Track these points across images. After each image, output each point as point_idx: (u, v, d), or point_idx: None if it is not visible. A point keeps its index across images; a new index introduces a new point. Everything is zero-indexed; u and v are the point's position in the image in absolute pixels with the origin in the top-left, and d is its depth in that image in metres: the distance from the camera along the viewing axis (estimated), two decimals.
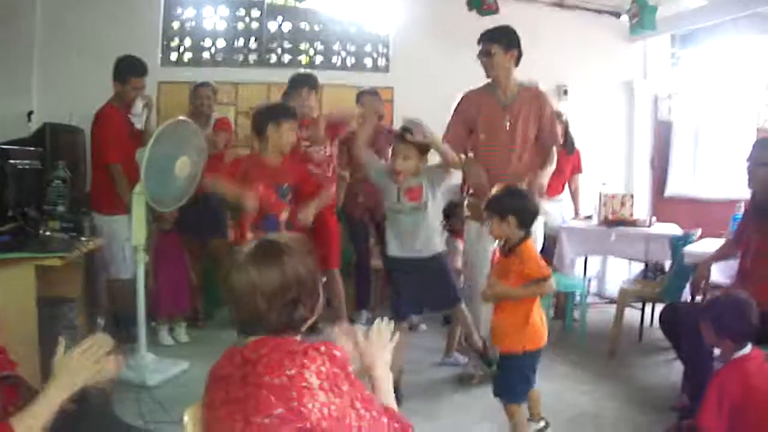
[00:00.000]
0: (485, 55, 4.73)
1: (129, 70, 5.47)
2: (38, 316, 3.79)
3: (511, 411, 3.75)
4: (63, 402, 2.05)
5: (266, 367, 1.84)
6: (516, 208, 3.69)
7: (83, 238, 4.37)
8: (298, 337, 1.99)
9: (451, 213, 5.64)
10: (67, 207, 4.47)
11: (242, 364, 1.90)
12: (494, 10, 6.27)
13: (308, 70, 5.99)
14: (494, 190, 3.87)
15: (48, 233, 4.15)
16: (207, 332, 6.02)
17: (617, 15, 7.28)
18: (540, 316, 3.73)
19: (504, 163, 4.75)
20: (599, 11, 7.42)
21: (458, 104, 4.94)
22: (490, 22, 6.32)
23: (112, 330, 5.37)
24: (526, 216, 3.71)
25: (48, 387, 2.06)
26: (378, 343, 2.19)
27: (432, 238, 4.57)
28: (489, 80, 4.84)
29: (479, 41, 4.76)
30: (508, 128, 4.75)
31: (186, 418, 2.04)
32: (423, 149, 4.45)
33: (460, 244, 5.38)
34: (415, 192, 4.49)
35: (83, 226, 4.48)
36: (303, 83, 5.69)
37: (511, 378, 3.74)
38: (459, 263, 5.45)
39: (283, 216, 4.64)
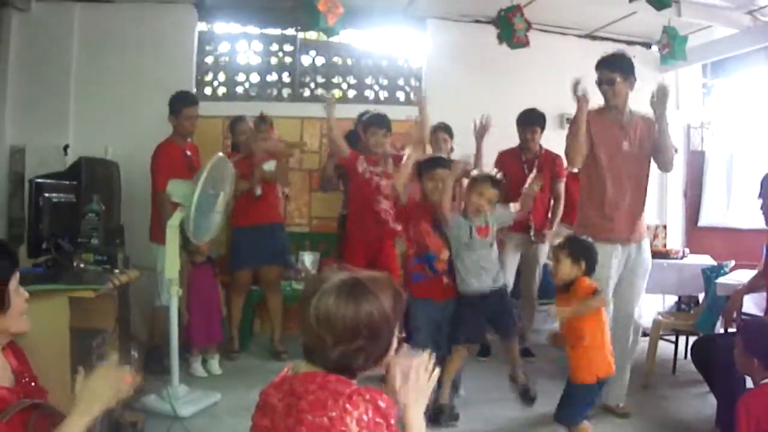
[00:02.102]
0: (607, 84, 4.76)
1: (180, 101, 5.74)
2: (71, 346, 3.79)
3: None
4: (84, 428, 2.09)
5: (310, 404, 1.83)
6: (588, 256, 4.03)
7: (116, 271, 4.42)
8: (354, 381, 1.93)
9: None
10: (101, 240, 4.53)
11: (289, 394, 1.91)
12: (525, 43, 6.29)
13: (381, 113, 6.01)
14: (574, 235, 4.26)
15: (82, 265, 4.20)
16: (240, 363, 6.05)
17: (648, 45, 7.29)
18: (608, 346, 4.00)
19: (623, 179, 4.79)
20: (630, 42, 7.43)
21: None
22: (522, 54, 6.45)
23: (146, 361, 5.46)
24: (593, 265, 4.05)
25: (69, 415, 2.10)
26: (417, 389, 2.07)
27: (499, 270, 4.81)
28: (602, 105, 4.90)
29: (597, 68, 4.79)
30: (628, 147, 4.79)
31: None
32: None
33: None
34: (485, 229, 4.68)
35: (116, 259, 4.53)
36: (381, 125, 5.76)
37: (578, 405, 4.02)
38: None
39: (444, 255, 4.74)
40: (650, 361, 5.59)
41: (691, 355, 4.55)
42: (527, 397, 4.85)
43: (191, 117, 5.77)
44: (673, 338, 5.94)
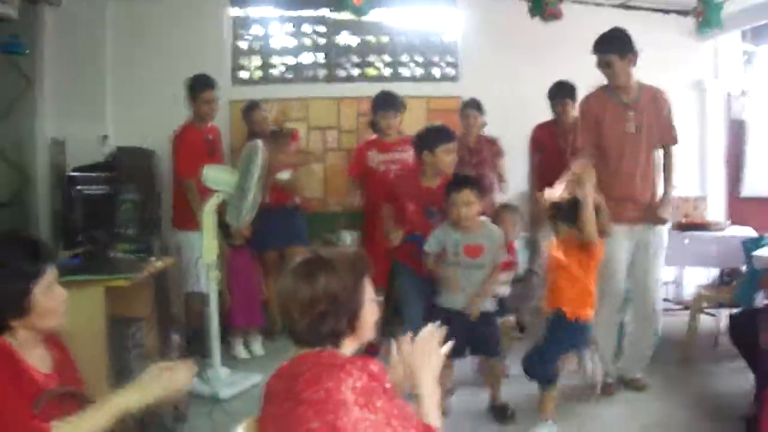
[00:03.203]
0: (604, 67, 4.73)
1: (196, 85, 5.75)
2: (108, 335, 3.91)
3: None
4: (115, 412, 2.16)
5: (306, 381, 1.89)
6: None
7: (152, 258, 4.49)
8: (341, 352, 2.04)
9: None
10: (136, 229, 4.63)
11: (286, 379, 1.97)
12: (557, 16, 6.22)
13: (390, 91, 6.02)
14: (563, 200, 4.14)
15: (118, 255, 4.28)
16: (282, 344, 6.04)
17: (685, 14, 7.13)
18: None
19: (628, 161, 4.79)
20: (666, 11, 7.29)
21: (583, 109, 4.97)
22: (556, 27, 6.38)
23: (187, 345, 5.54)
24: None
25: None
26: (423, 355, 2.14)
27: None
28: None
29: (594, 51, 4.75)
30: (633, 128, 4.76)
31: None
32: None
33: None
34: (474, 249, 4.48)
35: (153, 247, 4.62)
36: (388, 107, 5.78)
37: (551, 352, 4.11)
38: None
39: None
40: (691, 334, 5.53)
41: (729, 330, 4.51)
42: (503, 414, 4.59)
43: (209, 101, 5.78)
44: (714, 312, 5.87)
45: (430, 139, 4.77)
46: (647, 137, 4.79)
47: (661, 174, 4.94)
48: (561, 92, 6.13)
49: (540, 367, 4.12)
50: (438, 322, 2.23)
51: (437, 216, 4.67)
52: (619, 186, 4.76)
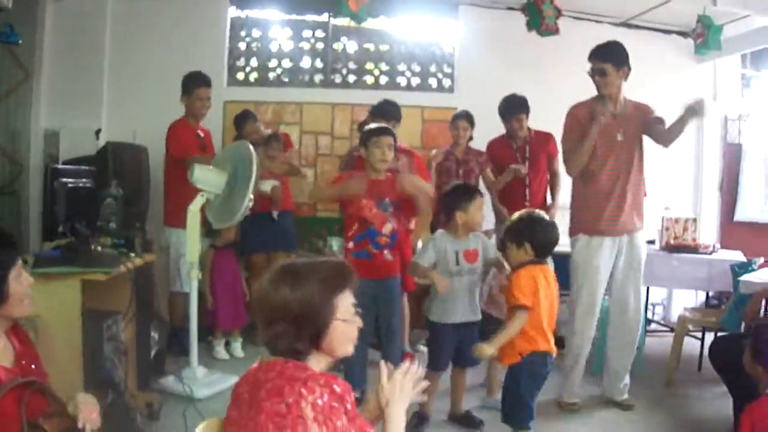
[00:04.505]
0: (599, 74, 4.73)
1: (191, 82, 5.77)
2: (83, 328, 3.87)
3: None
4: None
5: (268, 391, 1.87)
6: (533, 235, 3.77)
7: (132, 255, 4.48)
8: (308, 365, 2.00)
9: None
10: (119, 224, 4.59)
11: (253, 384, 1.95)
12: (554, 31, 6.20)
13: (390, 99, 6.01)
14: (515, 217, 3.96)
15: (99, 249, 4.26)
16: (263, 348, 6.03)
17: (685, 35, 7.13)
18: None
19: (618, 170, 4.80)
20: (666, 31, 7.30)
21: (571, 120, 4.92)
22: (553, 42, 6.36)
23: (168, 343, 5.52)
24: (544, 245, 3.80)
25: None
26: (400, 389, 2.14)
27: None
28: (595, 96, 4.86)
29: (590, 59, 4.77)
30: (621, 138, 4.77)
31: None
32: None
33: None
34: (473, 254, 4.47)
35: (135, 242, 4.59)
36: (387, 116, 5.71)
37: (518, 395, 3.78)
38: None
39: (386, 229, 4.69)
40: (674, 357, 5.50)
41: (709, 354, 4.47)
42: (472, 422, 4.61)
43: (203, 98, 5.79)
44: (699, 334, 5.83)
45: (364, 133, 4.89)
46: (632, 146, 4.82)
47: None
48: (514, 107, 6.03)
49: (519, 415, 3.96)
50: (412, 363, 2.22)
51: (390, 208, 4.72)
52: (603, 195, 4.80)
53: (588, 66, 4.77)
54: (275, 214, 6.24)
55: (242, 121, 6.38)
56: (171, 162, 5.77)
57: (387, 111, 5.76)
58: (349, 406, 1.90)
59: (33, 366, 2.56)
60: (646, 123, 4.84)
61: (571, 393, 4.94)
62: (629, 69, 4.75)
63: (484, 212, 4.56)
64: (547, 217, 3.98)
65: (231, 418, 2.00)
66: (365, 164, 4.82)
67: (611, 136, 4.76)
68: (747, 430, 3.04)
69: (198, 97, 5.75)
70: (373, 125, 5.04)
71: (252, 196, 4.93)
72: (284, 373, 1.91)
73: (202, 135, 5.90)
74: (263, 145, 6.03)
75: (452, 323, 4.42)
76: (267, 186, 6.09)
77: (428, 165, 5.99)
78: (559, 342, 5.02)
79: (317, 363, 2.03)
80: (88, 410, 2.42)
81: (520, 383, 3.75)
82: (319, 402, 1.83)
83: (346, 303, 2.07)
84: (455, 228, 4.41)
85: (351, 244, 4.73)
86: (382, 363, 2.21)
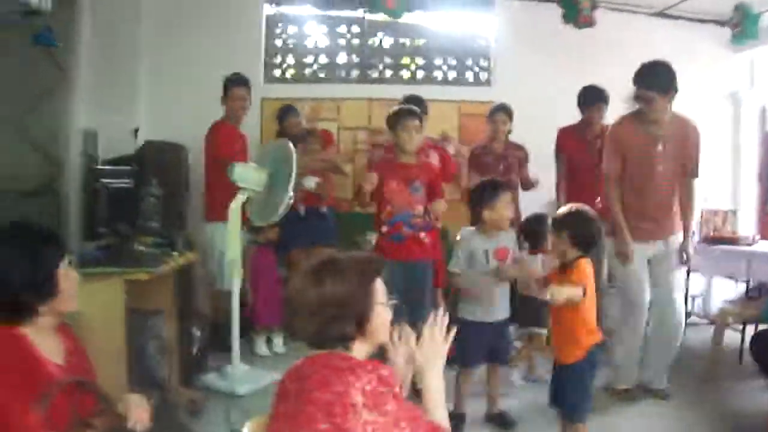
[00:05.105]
0: (646, 102, 4.62)
1: (229, 83, 5.79)
2: (127, 327, 3.93)
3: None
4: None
5: (316, 382, 1.90)
6: (571, 226, 3.73)
7: (174, 253, 4.53)
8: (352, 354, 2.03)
9: (533, 227, 5.22)
10: (160, 222, 4.64)
11: (298, 379, 1.98)
12: (590, 23, 6.18)
13: (415, 94, 5.96)
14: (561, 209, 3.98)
15: (141, 248, 4.31)
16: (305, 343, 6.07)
17: (721, 24, 7.06)
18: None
19: (651, 192, 4.79)
20: (703, 20, 7.23)
21: (613, 135, 4.90)
22: (590, 33, 6.33)
23: (210, 339, 5.57)
24: (581, 236, 3.72)
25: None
26: (432, 352, 2.15)
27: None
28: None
29: (634, 82, 4.64)
30: (660, 162, 4.73)
31: (246, 430, 2.12)
32: None
33: (539, 261, 5.07)
34: (504, 252, 4.42)
35: (176, 241, 4.63)
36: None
37: (580, 388, 3.74)
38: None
39: (418, 211, 4.72)
40: (715, 349, 5.46)
41: (750, 347, 4.45)
42: (505, 421, 4.57)
43: (240, 98, 5.81)
44: (739, 326, 5.78)
45: (390, 118, 4.88)
46: (673, 168, 4.77)
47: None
48: (594, 96, 5.89)
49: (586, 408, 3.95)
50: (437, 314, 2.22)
51: (421, 189, 4.73)
52: (641, 212, 4.81)
53: (633, 84, 4.66)
54: (324, 209, 6.30)
55: (284, 115, 6.43)
56: (211, 160, 5.80)
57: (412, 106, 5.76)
58: (397, 389, 1.92)
59: (82, 364, 2.60)
60: (688, 145, 4.80)
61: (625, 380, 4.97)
62: (676, 91, 4.61)
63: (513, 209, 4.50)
64: (592, 212, 3.92)
65: (278, 414, 2.02)
66: (395, 149, 4.84)
67: (650, 163, 4.73)
68: None
69: (235, 97, 5.77)
70: (396, 107, 5.07)
71: (292, 194, 4.94)
72: (330, 363, 1.95)
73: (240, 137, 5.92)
74: (301, 141, 6.05)
75: (486, 322, 4.38)
76: (311, 182, 6.11)
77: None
78: None
79: (360, 351, 2.06)
80: (139, 411, 2.46)
81: (585, 377, 3.74)
82: (368, 388, 1.86)
83: (381, 288, 2.12)
84: (484, 226, 4.36)
85: (385, 228, 4.74)
86: (407, 328, 2.23)
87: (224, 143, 5.69)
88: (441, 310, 2.23)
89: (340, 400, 1.84)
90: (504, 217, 4.33)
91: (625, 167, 4.81)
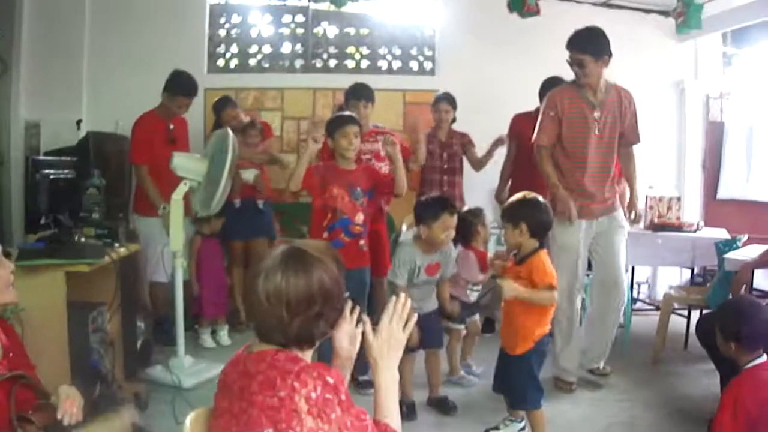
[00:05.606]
0: (577, 65, 4.65)
1: (179, 88, 5.62)
2: (69, 320, 3.88)
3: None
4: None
5: (260, 384, 1.84)
6: (528, 216, 3.72)
7: (116, 245, 4.44)
8: (309, 352, 1.98)
9: (466, 222, 5.09)
10: (102, 214, 4.55)
11: (243, 375, 1.91)
12: (535, 12, 6.19)
13: (363, 82, 5.88)
14: (512, 198, 3.93)
15: (82, 240, 4.22)
16: (249, 335, 6.00)
17: (665, 14, 7.12)
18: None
19: (589, 160, 4.77)
20: (647, 10, 7.28)
21: (548, 102, 4.88)
22: (534, 23, 6.35)
23: (153, 332, 5.49)
24: (539, 226, 3.74)
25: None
26: (388, 344, 2.09)
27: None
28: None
29: (567, 47, 4.66)
30: (596, 127, 4.73)
31: (188, 423, 2.03)
32: None
33: (472, 256, 5.11)
34: (434, 267, 4.49)
35: (118, 233, 4.55)
36: (359, 96, 5.63)
37: (528, 377, 3.80)
38: (476, 275, 5.08)
39: (358, 218, 4.65)
40: (660, 335, 5.51)
41: (696, 331, 4.48)
42: (445, 405, 4.62)
43: (182, 106, 5.68)
44: (685, 312, 5.85)
45: (329, 125, 4.77)
46: (610, 136, 4.79)
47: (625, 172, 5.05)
48: (553, 87, 5.92)
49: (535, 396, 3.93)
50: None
51: (362, 197, 4.66)
52: (581, 182, 4.78)
53: (566, 49, 4.69)
54: (260, 203, 6.23)
55: (221, 107, 6.32)
56: None
57: (360, 92, 5.70)
58: (342, 397, 1.86)
59: (20, 359, 2.54)
60: (625, 113, 4.82)
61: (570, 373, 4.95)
62: (610, 56, 4.65)
63: (452, 232, 4.41)
64: (542, 199, 3.94)
65: (221, 408, 1.96)
66: (335, 154, 4.76)
67: (586, 129, 4.73)
68: (729, 406, 3.07)
69: (178, 104, 5.63)
70: (335, 115, 5.03)
71: (225, 184, 4.88)
72: (275, 365, 1.87)
73: (172, 127, 5.76)
74: (241, 133, 5.96)
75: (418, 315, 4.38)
76: (249, 175, 6.08)
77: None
78: None
79: (308, 353, 1.99)
80: (68, 403, 2.39)
81: (532, 366, 3.78)
82: (313, 395, 1.80)
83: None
84: (420, 240, 4.40)
85: (325, 234, 4.65)
86: (366, 318, 2.14)
87: (138, 146, 5.60)
88: (402, 297, 2.15)
89: (284, 405, 1.79)
90: (438, 240, 4.33)
91: (561, 135, 4.80)
